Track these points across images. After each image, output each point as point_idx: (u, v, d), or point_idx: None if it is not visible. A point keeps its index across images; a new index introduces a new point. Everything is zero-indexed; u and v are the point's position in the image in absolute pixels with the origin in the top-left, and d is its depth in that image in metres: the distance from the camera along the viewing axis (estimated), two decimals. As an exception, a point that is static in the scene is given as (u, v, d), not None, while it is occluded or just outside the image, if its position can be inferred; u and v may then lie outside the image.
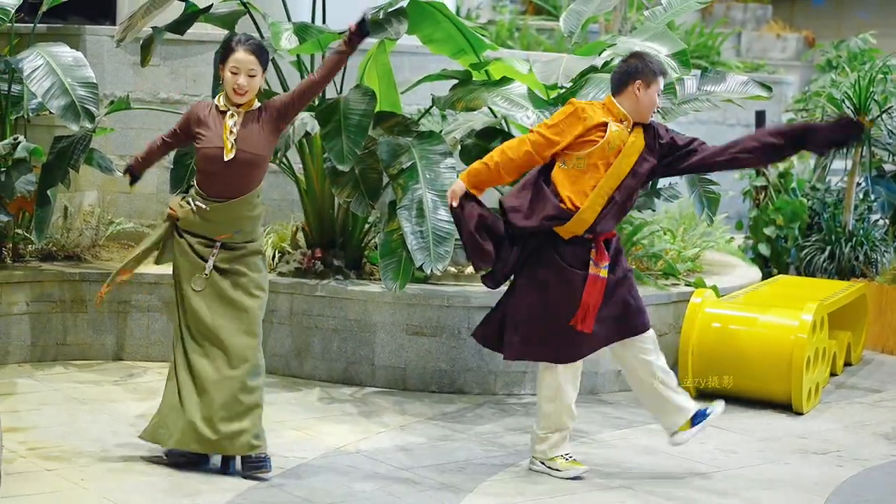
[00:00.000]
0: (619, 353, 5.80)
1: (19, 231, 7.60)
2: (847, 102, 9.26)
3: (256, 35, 7.08)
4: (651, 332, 5.77)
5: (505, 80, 6.99)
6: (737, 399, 6.98)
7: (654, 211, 7.94)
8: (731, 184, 10.45)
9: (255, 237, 5.58)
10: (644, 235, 8.14)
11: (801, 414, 7.03)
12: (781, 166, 9.73)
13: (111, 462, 5.60)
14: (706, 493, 5.62)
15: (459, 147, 7.26)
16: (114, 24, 9.02)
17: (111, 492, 5.19)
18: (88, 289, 7.46)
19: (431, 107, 7.26)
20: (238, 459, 5.50)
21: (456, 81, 7.09)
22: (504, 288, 5.87)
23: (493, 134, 7.24)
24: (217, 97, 5.55)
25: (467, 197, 5.68)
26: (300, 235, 7.77)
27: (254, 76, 5.44)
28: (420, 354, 7.15)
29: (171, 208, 5.57)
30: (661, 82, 5.67)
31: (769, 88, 7.48)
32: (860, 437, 6.67)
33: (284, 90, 7.08)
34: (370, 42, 7.21)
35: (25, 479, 5.31)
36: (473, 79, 7.09)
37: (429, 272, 6.39)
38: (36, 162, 7.30)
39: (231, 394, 5.40)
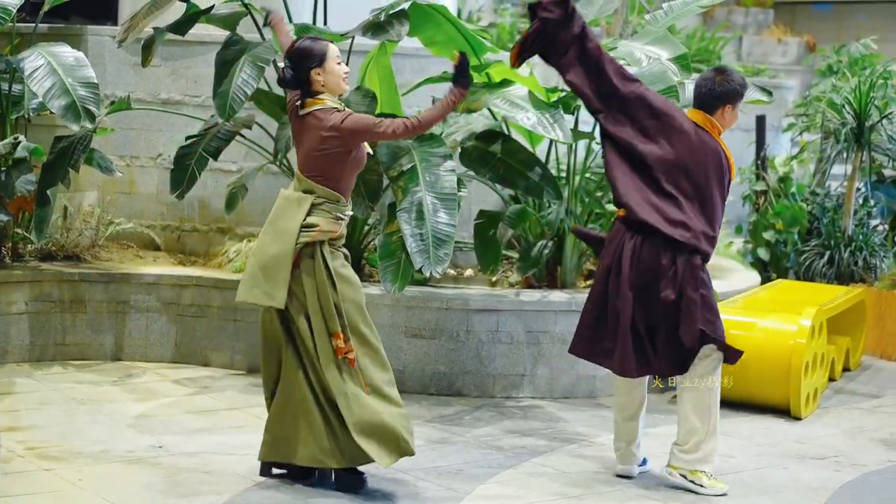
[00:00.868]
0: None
1: (19, 231, 7.60)
2: (847, 107, 9.26)
3: (257, 36, 7.10)
4: None
5: (506, 83, 7.00)
6: (735, 404, 6.98)
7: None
8: (731, 188, 10.40)
9: None
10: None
11: (799, 419, 7.03)
12: (781, 171, 9.73)
13: (109, 462, 5.60)
14: (704, 499, 5.62)
15: (460, 149, 7.26)
16: (115, 24, 9.01)
17: (109, 492, 5.19)
18: (87, 289, 7.46)
19: (432, 109, 7.24)
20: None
21: (456, 83, 7.07)
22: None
23: (494, 136, 7.24)
24: (314, 100, 5.29)
25: None
26: (300, 237, 7.75)
27: None
28: (418, 357, 7.15)
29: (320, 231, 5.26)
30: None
31: (770, 93, 7.49)
32: (858, 443, 6.67)
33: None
34: (371, 43, 7.22)
35: (23, 478, 5.31)
36: (474, 81, 7.07)
37: (428, 275, 6.39)
38: (36, 162, 7.30)
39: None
